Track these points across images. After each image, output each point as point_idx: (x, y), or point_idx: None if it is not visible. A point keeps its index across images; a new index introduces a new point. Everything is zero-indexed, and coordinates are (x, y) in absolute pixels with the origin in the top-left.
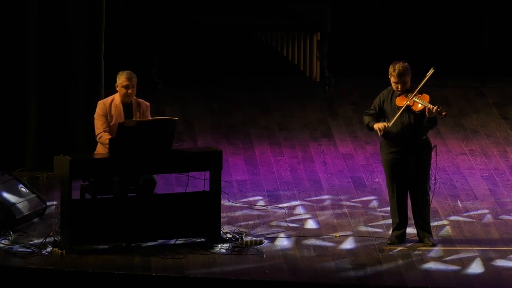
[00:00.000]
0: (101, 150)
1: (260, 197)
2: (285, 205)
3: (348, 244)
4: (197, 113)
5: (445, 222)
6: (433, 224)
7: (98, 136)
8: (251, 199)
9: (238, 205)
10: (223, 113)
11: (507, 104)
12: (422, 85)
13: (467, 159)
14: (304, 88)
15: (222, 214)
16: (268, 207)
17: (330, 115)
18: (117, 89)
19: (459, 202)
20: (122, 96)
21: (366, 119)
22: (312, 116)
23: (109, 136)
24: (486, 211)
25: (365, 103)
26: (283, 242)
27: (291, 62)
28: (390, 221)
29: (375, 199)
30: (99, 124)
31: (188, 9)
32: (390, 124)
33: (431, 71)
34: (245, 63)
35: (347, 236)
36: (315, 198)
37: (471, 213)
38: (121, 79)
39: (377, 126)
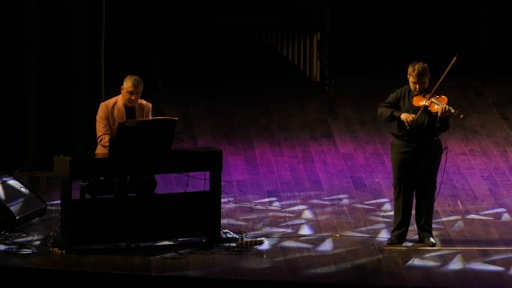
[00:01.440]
0: (101, 151)
1: (260, 197)
2: (285, 205)
3: (348, 244)
4: (197, 113)
5: (445, 222)
6: (433, 224)
7: (99, 139)
8: (251, 199)
9: (238, 205)
10: (223, 113)
11: (507, 104)
12: (443, 77)
13: (467, 159)
14: (304, 88)
15: (222, 214)
16: (268, 207)
17: (330, 115)
18: (122, 92)
19: (459, 202)
20: (125, 100)
21: (387, 110)
22: (312, 116)
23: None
24: (486, 211)
25: (365, 103)
26: (283, 242)
27: (291, 62)
28: (390, 221)
29: (376, 199)
30: (100, 127)
31: (188, 9)
32: (417, 116)
33: (454, 59)
34: (245, 63)
35: (347, 236)
36: (315, 198)
37: (471, 213)
38: (128, 83)
39: (406, 116)
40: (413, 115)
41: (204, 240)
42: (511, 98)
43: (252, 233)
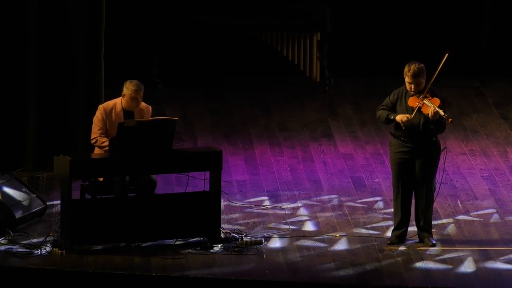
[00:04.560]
0: (99, 151)
1: (260, 197)
2: (285, 205)
3: (348, 244)
4: (197, 113)
5: (445, 222)
6: (433, 224)
7: (93, 141)
8: (251, 199)
9: (238, 205)
10: (223, 113)
11: (507, 104)
12: (435, 77)
13: (467, 159)
14: (304, 88)
15: (221, 214)
16: (268, 207)
17: (330, 115)
18: (124, 98)
19: (459, 202)
20: (128, 106)
21: (384, 112)
22: (312, 116)
23: (105, 139)
24: (486, 211)
25: (365, 103)
26: (283, 242)
27: (291, 62)
28: (390, 221)
29: (376, 199)
30: (96, 129)
31: (188, 9)
32: (412, 116)
33: (445, 56)
34: (245, 63)
35: (347, 236)
36: (315, 198)
37: (471, 213)
38: (130, 90)
39: (401, 117)
40: (407, 115)
41: (204, 240)
42: (511, 98)
43: (252, 233)
